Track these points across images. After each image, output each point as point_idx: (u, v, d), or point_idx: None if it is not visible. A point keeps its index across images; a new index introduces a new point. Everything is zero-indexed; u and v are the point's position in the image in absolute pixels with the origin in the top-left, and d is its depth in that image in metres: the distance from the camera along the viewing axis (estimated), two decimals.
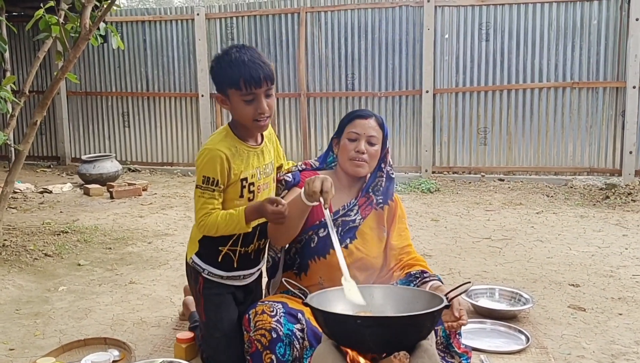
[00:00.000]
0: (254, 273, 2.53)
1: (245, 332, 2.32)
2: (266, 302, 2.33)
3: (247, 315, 2.33)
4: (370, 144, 2.53)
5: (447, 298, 1.90)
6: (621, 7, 7.03)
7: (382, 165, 2.60)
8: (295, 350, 2.21)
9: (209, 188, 2.25)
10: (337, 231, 2.51)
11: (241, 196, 2.34)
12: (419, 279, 2.44)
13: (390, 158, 2.64)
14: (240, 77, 2.17)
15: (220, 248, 2.38)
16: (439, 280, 2.46)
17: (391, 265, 2.59)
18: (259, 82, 2.19)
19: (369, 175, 2.60)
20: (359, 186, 2.61)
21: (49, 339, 2.96)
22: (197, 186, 2.29)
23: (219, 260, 2.40)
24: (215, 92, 2.32)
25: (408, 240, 2.67)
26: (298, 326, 2.26)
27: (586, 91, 7.27)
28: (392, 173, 2.64)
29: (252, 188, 2.37)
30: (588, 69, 7.25)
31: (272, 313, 2.24)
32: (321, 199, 2.18)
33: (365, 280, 2.49)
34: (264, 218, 2.29)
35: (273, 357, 2.17)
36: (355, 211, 2.56)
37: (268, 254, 2.63)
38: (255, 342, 2.22)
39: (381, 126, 2.58)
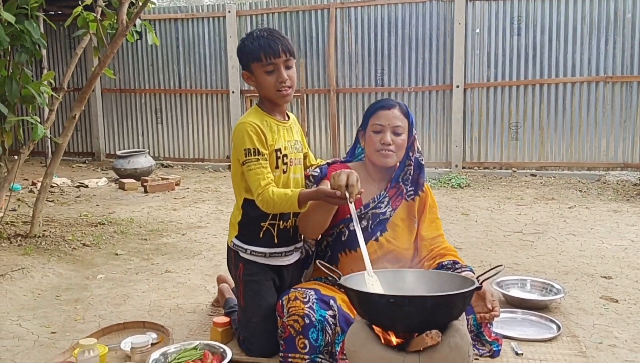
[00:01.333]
0: (293, 252, 2.58)
1: (279, 318, 2.38)
2: (299, 289, 2.38)
3: (280, 302, 2.39)
4: (396, 134, 2.51)
5: (478, 281, 1.92)
6: None
7: (410, 153, 2.57)
8: (327, 335, 2.26)
9: (252, 159, 2.34)
10: (368, 224, 2.54)
11: (277, 166, 2.43)
12: (451, 269, 2.44)
13: (418, 145, 2.61)
14: (260, 50, 2.36)
15: (262, 223, 2.47)
16: (471, 270, 2.47)
17: (422, 255, 2.59)
18: (277, 53, 2.35)
19: (397, 164, 2.58)
20: (388, 177, 2.60)
21: (89, 323, 3.06)
22: (242, 163, 2.37)
23: (260, 236, 2.48)
24: (243, 70, 2.47)
25: (439, 229, 2.66)
26: (330, 312, 2.30)
27: (620, 85, 7.16)
28: (422, 159, 2.62)
29: (285, 160, 2.45)
30: (622, 63, 7.14)
31: (305, 300, 2.29)
32: (346, 194, 2.14)
33: None
34: (318, 200, 2.33)
35: (306, 341, 2.23)
36: (385, 203, 2.56)
37: (303, 246, 2.67)
38: (289, 327, 2.27)
39: (406, 114, 2.55)
